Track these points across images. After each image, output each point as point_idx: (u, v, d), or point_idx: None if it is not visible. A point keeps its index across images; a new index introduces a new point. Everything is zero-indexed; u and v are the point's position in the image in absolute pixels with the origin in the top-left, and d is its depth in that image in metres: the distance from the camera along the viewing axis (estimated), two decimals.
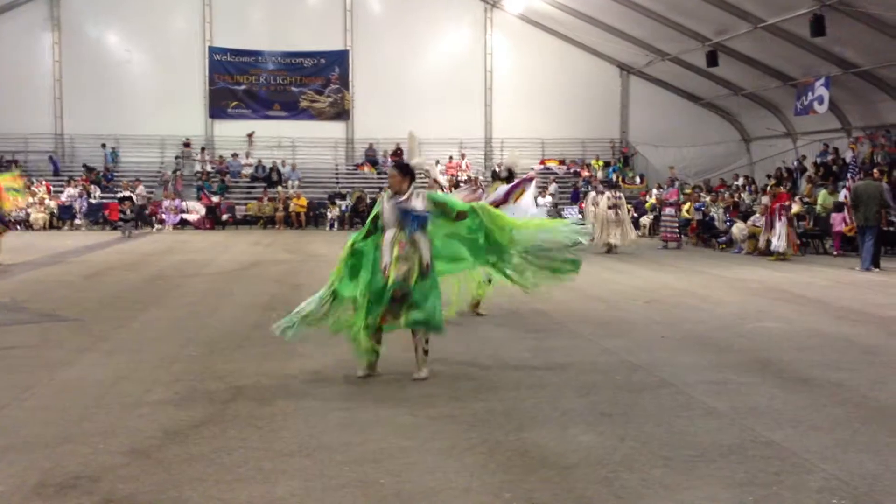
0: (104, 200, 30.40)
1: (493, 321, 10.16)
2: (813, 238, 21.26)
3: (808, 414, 6.02)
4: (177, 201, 30.69)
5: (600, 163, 34.91)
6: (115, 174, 32.59)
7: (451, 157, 34.33)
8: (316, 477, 4.75)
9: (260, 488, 4.58)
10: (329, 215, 30.95)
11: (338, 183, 34.09)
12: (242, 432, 5.57)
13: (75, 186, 30.68)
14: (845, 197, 19.05)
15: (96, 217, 30.05)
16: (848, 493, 4.50)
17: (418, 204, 7.04)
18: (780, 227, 18.42)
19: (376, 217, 7.15)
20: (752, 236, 20.35)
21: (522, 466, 4.91)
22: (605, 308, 11.25)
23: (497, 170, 12.01)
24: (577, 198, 31.56)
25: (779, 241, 18.39)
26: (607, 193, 21.37)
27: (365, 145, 34.89)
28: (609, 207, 20.54)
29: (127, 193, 27.93)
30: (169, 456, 5.09)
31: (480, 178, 28.61)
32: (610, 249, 20.21)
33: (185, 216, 30.53)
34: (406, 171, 7.22)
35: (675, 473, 4.79)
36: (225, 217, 30.83)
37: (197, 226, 30.26)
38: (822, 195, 22.13)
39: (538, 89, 34.75)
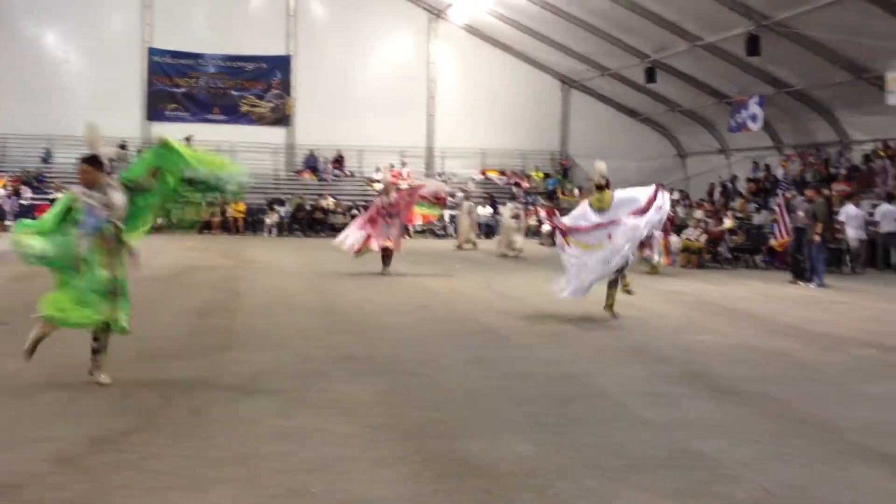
0: (35, 202, 29.66)
1: (430, 330, 10.15)
2: (744, 252, 21.69)
3: (739, 426, 6.11)
4: None
5: (540, 174, 35.23)
6: (48, 175, 31.86)
7: (392, 166, 34.28)
8: (249, 486, 4.68)
9: (191, 497, 4.50)
10: (267, 221, 30.66)
11: (277, 189, 33.81)
12: (174, 440, 5.47)
13: (5, 187, 29.90)
14: (775, 213, 19.48)
15: (27, 218, 29.25)
16: (775, 503, 4.58)
17: (116, 195, 6.85)
18: (656, 238, 17.81)
19: (69, 210, 6.84)
20: (686, 250, 20.69)
21: (456, 476, 4.90)
22: (543, 319, 11.31)
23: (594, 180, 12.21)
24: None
25: (655, 253, 18.17)
26: (510, 204, 24.44)
27: (306, 151, 34.70)
28: (512, 217, 23.25)
29: (59, 195, 27.23)
30: (97, 464, 4.97)
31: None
32: (506, 255, 22.39)
33: None
34: (98, 164, 6.95)
35: (609, 483, 4.83)
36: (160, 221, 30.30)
37: None
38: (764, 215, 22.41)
39: (481, 100, 34.94)
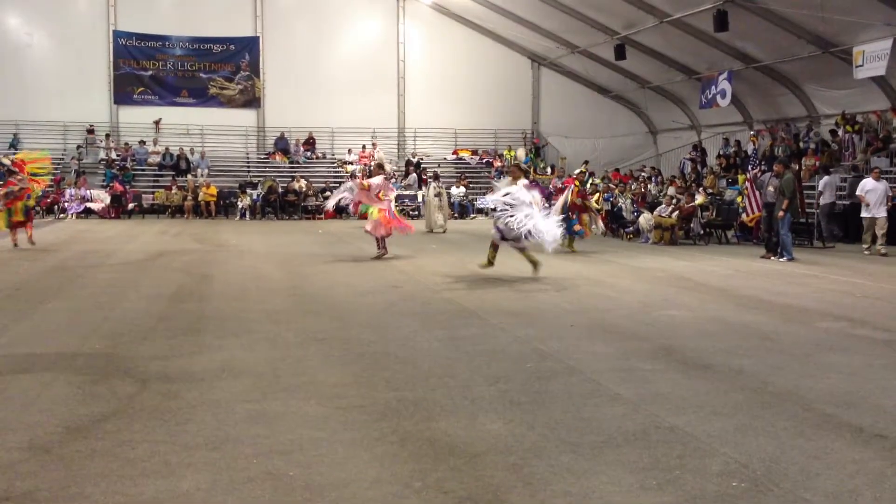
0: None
1: (402, 311, 10.16)
2: (716, 228, 21.86)
3: (710, 399, 6.19)
4: (82, 189, 29.77)
5: (513, 153, 35.25)
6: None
7: (363, 147, 34.22)
8: (223, 470, 4.68)
9: (165, 482, 4.49)
10: (240, 204, 30.50)
11: (249, 172, 33.62)
12: (147, 426, 5.45)
13: None
14: (745, 188, 19.65)
15: None
16: (747, 475, 4.65)
17: None
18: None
19: None
20: (658, 226, 20.82)
21: (432, 456, 4.93)
22: (516, 297, 11.36)
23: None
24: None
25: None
26: (433, 184, 25.02)
27: (276, 133, 34.50)
28: (435, 195, 23.96)
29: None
30: (70, 451, 4.95)
31: (389, 166, 28.58)
32: (432, 230, 23.63)
33: (89, 205, 29.65)
34: None
35: (582, 459, 4.88)
36: (131, 206, 30.08)
37: (102, 215, 29.44)
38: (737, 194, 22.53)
39: (451, 79, 34.91)
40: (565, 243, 17.81)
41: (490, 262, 13.42)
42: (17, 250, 17.22)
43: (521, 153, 12.76)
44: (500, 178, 29.59)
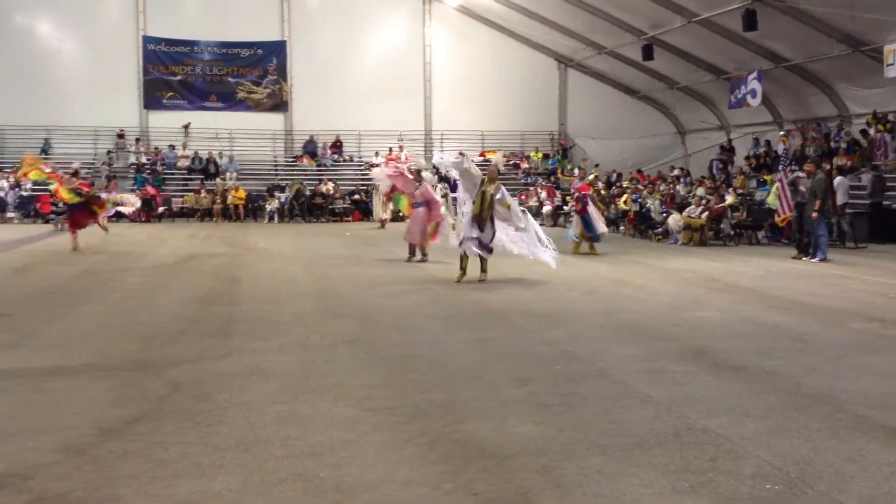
0: (36, 192, 29.64)
1: (429, 313, 10.16)
2: (747, 228, 21.67)
3: (742, 401, 6.13)
4: (113, 192, 29.98)
5: (540, 154, 35.17)
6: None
7: (390, 149, 34.24)
8: (254, 471, 4.69)
9: (197, 484, 4.51)
10: (268, 208, 30.64)
11: (276, 175, 33.77)
12: (179, 427, 5.48)
13: (6, 178, 29.86)
14: (777, 188, 19.45)
15: (28, 210, 29.32)
16: (781, 478, 4.59)
17: None
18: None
19: None
20: (688, 227, 20.68)
21: (462, 457, 4.91)
22: (544, 299, 11.33)
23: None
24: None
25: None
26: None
27: (304, 137, 34.62)
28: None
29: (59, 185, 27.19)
30: (103, 453, 4.99)
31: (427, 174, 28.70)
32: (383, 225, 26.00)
33: (120, 209, 29.86)
34: None
35: (613, 462, 4.85)
36: (161, 209, 30.30)
37: (132, 218, 29.64)
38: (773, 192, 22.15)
39: (477, 81, 34.84)
40: (585, 247, 17.76)
41: (464, 272, 12.94)
42: (50, 255, 17.39)
43: (498, 158, 13.14)
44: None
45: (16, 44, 32.39)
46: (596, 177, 20.11)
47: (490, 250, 12.82)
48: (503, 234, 12.93)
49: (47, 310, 10.31)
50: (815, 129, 26.47)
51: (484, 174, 12.92)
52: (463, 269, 12.90)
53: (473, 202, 12.67)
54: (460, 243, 12.95)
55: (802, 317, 9.91)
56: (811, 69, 25.66)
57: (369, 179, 32.66)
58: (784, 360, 7.47)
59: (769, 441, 5.20)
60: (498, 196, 12.70)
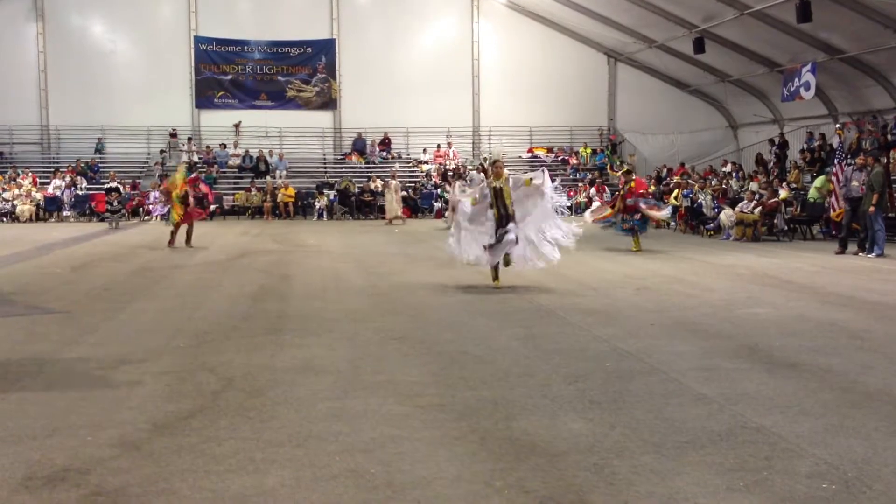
0: (91, 192, 30.24)
1: (479, 309, 10.15)
2: (801, 224, 21.32)
3: (798, 399, 6.03)
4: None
5: (588, 150, 34.93)
6: (103, 165, 32.44)
7: (438, 146, 34.31)
8: (307, 467, 4.74)
9: (250, 479, 4.57)
10: (317, 205, 30.85)
11: (326, 172, 34.00)
12: (232, 423, 5.55)
13: (62, 178, 30.49)
14: (831, 182, 19.10)
15: (83, 208, 29.90)
16: (838, 477, 4.51)
17: None
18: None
19: None
20: (741, 222, 20.40)
21: (513, 455, 4.91)
22: (595, 296, 11.26)
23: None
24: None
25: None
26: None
27: (353, 134, 34.80)
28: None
29: (114, 184, 27.77)
30: (158, 448, 5.07)
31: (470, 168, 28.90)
32: (391, 222, 26.87)
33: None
34: None
35: (666, 460, 4.80)
36: (213, 208, 30.66)
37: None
38: (821, 180, 21.72)
39: (526, 77, 34.71)
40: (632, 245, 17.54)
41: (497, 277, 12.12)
42: (105, 252, 17.71)
43: (497, 150, 13.11)
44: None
45: (70, 45, 33.00)
46: (628, 170, 19.43)
47: (507, 260, 11.84)
48: (524, 249, 11.86)
49: (105, 306, 10.50)
50: (872, 121, 25.94)
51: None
52: (496, 276, 12.11)
53: (490, 205, 11.81)
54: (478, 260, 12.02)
55: (859, 313, 9.72)
56: (867, 60, 25.12)
57: (416, 177, 32.91)
58: (840, 358, 7.34)
59: (825, 440, 5.12)
60: (510, 183, 11.84)
